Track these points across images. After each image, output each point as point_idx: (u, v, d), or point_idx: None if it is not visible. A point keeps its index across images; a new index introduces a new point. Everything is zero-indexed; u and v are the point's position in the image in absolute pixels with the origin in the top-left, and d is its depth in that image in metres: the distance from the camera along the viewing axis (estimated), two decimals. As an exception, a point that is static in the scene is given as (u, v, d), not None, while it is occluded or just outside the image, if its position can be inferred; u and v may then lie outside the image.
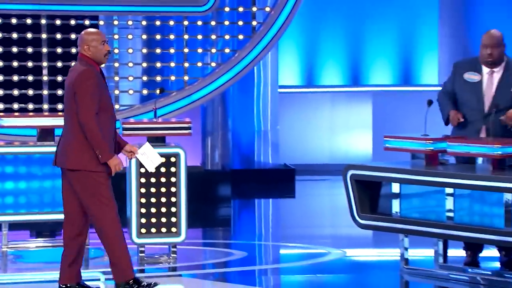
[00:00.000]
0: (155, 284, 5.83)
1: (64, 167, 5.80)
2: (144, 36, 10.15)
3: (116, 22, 9.99)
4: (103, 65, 5.89)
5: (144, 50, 10.18)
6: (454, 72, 6.72)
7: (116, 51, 10.07)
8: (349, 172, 6.58)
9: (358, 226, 6.61)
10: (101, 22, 9.95)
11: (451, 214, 6.15)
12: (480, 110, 6.56)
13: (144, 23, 10.05)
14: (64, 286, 5.87)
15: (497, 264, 6.64)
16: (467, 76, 6.61)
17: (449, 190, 6.15)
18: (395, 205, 6.41)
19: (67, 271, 5.86)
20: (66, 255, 5.87)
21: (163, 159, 5.94)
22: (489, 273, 6.26)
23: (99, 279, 6.11)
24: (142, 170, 7.10)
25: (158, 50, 10.09)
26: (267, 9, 10.19)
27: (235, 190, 10.64)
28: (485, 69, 6.59)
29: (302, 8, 10.41)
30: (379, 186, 6.57)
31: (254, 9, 10.24)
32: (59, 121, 7.24)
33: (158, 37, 10.07)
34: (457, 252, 6.73)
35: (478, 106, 6.56)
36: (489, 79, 6.57)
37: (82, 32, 5.85)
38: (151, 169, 5.97)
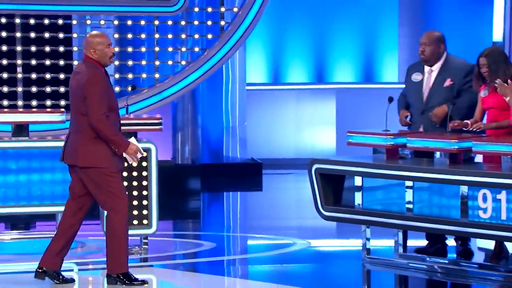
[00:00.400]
0: (144, 283, 5.85)
1: (76, 165, 5.84)
2: (116, 35, 10.13)
3: (89, 22, 9.95)
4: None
5: (116, 49, 10.14)
6: (407, 74, 6.84)
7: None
8: (314, 166, 6.62)
9: (322, 217, 6.65)
10: (74, 22, 9.91)
11: (410, 206, 6.21)
12: (420, 108, 6.66)
13: (116, 22, 10.03)
14: (41, 270, 5.87)
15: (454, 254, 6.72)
16: (414, 76, 6.73)
17: (408, 183, 6.21)
18: (358, 198, 6.45)
19: (52, 257, 5.86)
20: (55, 242, 5.88)
21: (145, 154, 5.97)
22: (446, 261, 6.34)
23: (72, 270, 6.10)
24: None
25: (129, 49, 10.07)
26: (235, 9, 10.20)
27: (204, 184, 10.65)
28: (426, 69, 6.70)
29: (269, 9, 10.43)
30: (343, 179, 6.61)
31: (223, 9, 10.25)
32: (32, 117, 7.23)
33: (129, 36, 10.05)
34: (416, 242, 6.81)
35: (419, 105, 6.66)
36: (428, 78, 6.69)
37: (87, 35, 5.89)
38: (135, 162, 5.99)
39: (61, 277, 5.89)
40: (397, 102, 6.83)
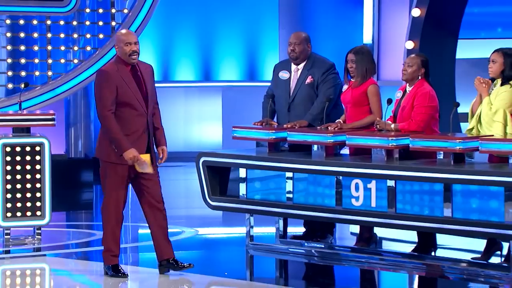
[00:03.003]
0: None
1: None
2: (9, 34, 9.87)
3: (-19, 21, 9.67)
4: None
5: (9, 47, 9.91)
6: (273, 73, 6.91)
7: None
8: (201, 159, 6.64)
9: (209, 207, 6.68)
10: (-33, 20, 9.61)
11: (290, 196, 6.31)
12: (286, 105, 6.76)
13: (8, 22, 9.78)
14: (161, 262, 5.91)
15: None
16: (280, 74, 6.81)
17: (289, 174, 6.31)
18: (242, 188, 6.51)
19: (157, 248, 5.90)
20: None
21: (148, 170, 5.81)
22: (322, 246, 6.47)
23: None
24: (8, 158, 6.94)
25: (22, 47, 9.84)
26: (125, 10, 10.12)
27: (97, 176, 10.51)
28: (293, 67, 6.80)
29: (158, 10, 10.39)
30: (228, 171, 6.66)
31: (113, 10, 10.14)
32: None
33: (22, 35, 9.82)
34: (295, 229, 6.92)
35: (285, 102, 6.76)
36: (295, 76, 6.79)
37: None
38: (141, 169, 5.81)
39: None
40: (262, 104, 6.86)
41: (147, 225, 5.99)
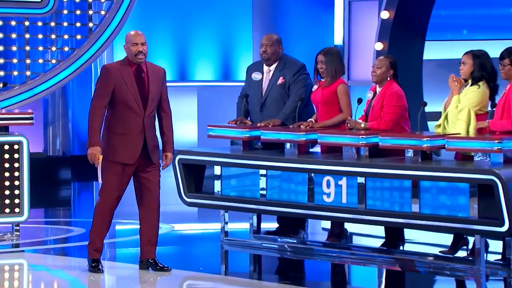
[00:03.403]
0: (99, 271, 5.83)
1: None
2: (-12, 35, 9.81)
3: (-40, 21, 9.59)
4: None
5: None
6: (246, 74, 6.94)
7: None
8: (177, 156, 6.65)
9: (185, 204, 6.70)
10: None
11: (264, 192, 6.34)
12: (259, 104, 6.79)
13: (-13, 23, 9.71)
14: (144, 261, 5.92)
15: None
16: (253, 75, 6.85)
17: (262, 171, 6.33)
18: (217, 185, 6.53)
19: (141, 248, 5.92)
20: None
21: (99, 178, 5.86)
22: (295, 241, 6.51)
23: None
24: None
25: (0, 48, 9.78)
26: (102, 12, 10.09)
27: (74, 174, 10.49)
28: (265, 68, 6.84)
29: (134, 12, 10.38)
30: (203, 168, 6.67)
31: (91, 12, 10.11)
32: None
33: (0, 35, 9.75)
34: (268, 225, 6.95)
35: (258, 102, 6.80)
36: (267, 77, 6.83)
37: None
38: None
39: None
40: (237, 104, 6.89)
41: (138, 222, 6.00)
